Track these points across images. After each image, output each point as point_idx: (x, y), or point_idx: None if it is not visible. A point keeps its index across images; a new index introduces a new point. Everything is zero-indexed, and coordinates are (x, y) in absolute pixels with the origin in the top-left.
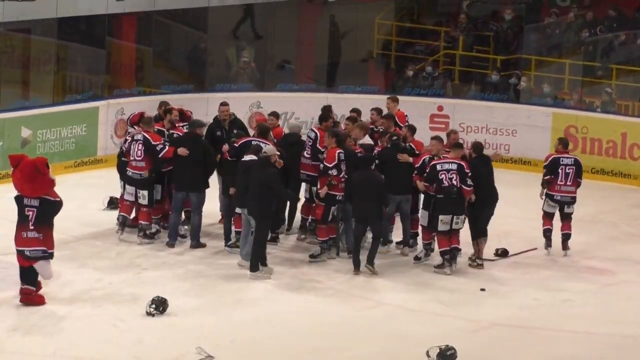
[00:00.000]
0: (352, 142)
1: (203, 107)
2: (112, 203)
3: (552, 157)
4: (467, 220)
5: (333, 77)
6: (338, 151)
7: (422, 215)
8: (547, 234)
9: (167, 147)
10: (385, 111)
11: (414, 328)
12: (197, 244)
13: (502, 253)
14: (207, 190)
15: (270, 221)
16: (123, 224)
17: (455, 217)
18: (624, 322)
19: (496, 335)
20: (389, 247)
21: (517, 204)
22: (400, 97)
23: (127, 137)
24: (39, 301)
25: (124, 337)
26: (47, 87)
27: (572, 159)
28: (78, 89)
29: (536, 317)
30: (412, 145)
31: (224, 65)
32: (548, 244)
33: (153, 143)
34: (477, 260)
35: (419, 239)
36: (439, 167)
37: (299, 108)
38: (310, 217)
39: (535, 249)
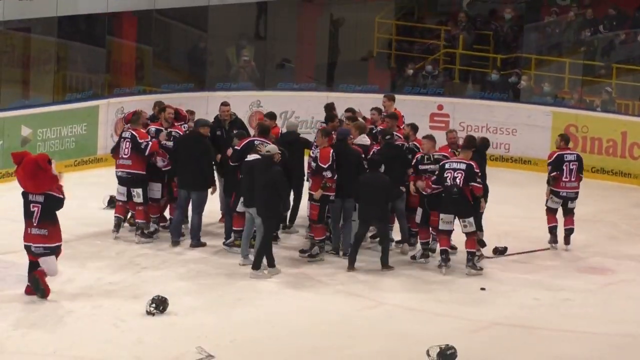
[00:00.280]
0: (350, 140)
1: (203, 106)
2: (112, 202)
3: (557, 153)
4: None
5: (332, 77)
6: (331, 151)
7: (418, 213)
8: (554, 230)
9: (151, 142)
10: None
11: (414, 327)
12: (197, 243)
13: (501, 251)
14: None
15: (276, 220)
16: (118, 225)
17: (461, 220)
18: (624, 322)
19: (496, 335)
20: (391, 246)
21: (518, 203)
22: (400, 96)
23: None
24: (46, 289)
25: (124, 337)
26: (47, 86)
27: (575, 155)
28: (78, 88)
29: (536, 317)
30: (416, 144)
31: (224, 65)
32: (554, 239)
33: (139, 140)
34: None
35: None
36: (447, 166)
37: (299, 107)
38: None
39: (548, 248)
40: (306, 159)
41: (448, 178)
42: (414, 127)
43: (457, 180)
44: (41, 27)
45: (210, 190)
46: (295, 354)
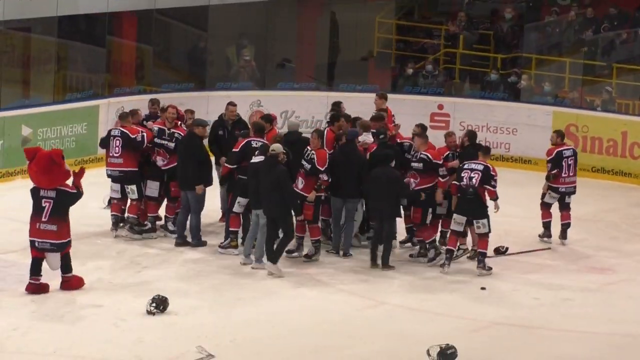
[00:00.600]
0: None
1: (203, 105)
2: None
3: (556, 150)
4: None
5: (332, 76)
6: (327, 153)
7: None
8: (548, 225)
9: (145, 134)
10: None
11: (414, 327)
12: (197, 243)
13: (503, 251)
14: (207, 189)
15: (291, 216)
16: (115, 223)
17: (475, 221)
18: (624, 321)
19: (496, 335)
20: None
21: (518, 203)
22: (400, 96)
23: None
24: (78, 284)
25: (124, 336)
26: (48, 86)
27: (571, 150)
28: (78, 87)
29: (536, 317)
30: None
31: (224, 64)
32: (548, 234)
33: (132, 136)
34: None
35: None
36: (465, 166)
37: (299, 107)
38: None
39: (549, 248)
40: None
41: (464, 178)
42: (423, 128)
43: (474, 181)
44: (41, 26)
45: (197, 188)
46: (295, 353)
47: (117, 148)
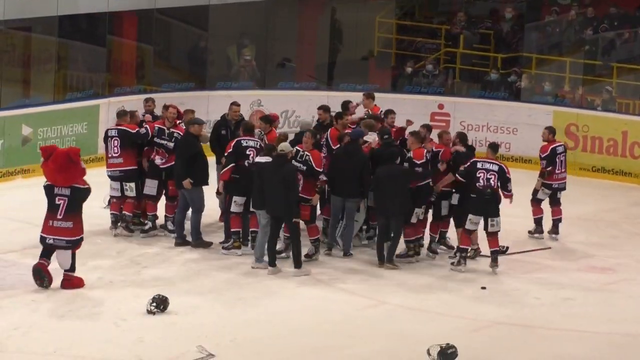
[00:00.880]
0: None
1: (204, 105)
2: None
3: (551, 147)
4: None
5: (332, 76)
6: (321, 154)
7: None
8: (540, 221)
9: (148, 127)
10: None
11: (414, 327)
12: (199, 243)
13: (503, 251)
14: (206, 188)
15: (299, 216)
16: (115, 222)
17: (489, 219)
18: (624, 321)
19: (497, 334)
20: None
21: (518, 203)
22: (401, 96)
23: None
24: (79, 284)
25: (124, 336)
26: (48, 85)
27: (563, 146)
28: (79, 87)
29: (537, 316)
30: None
31: (224, 64)
32: (540, 230)
33: (132, 131)
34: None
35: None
36: (479, 165)
37: (299, 106)
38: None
39: (549, 248)
40: None
41: (481, 178)
42: (428, 128)
43: (492, 182)
44: (42, 26)
45: (184, 183)
46: (295, 353)
47: (115, 148)
